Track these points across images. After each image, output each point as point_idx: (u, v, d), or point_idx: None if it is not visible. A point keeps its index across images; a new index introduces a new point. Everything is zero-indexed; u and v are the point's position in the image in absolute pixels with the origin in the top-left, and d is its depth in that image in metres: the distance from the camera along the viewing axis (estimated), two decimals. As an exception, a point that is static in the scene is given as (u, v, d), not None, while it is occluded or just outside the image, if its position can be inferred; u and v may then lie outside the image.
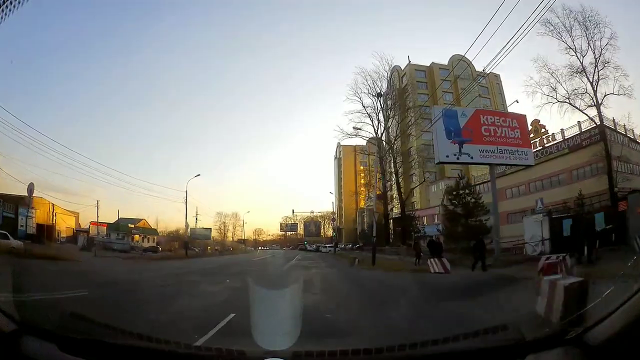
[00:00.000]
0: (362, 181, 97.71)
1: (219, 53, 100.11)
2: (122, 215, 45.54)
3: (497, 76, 49.48)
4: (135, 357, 2.21)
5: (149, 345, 2.55)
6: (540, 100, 28.44)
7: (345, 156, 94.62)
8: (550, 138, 30.23)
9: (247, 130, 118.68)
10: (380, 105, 39.39)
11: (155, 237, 53.31)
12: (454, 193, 25.95)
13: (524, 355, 1.91)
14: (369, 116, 40.22)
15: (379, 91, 39.16)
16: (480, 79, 35.10)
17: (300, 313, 4.00)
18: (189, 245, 54.94)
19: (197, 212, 49.92)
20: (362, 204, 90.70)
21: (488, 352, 2.18)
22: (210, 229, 59.91)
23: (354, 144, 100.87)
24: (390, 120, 39.56)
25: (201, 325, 5.36)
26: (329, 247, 58.86)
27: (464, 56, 31.17)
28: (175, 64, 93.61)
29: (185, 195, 37.59)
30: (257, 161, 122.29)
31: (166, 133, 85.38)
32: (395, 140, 40.82)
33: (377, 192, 33.48)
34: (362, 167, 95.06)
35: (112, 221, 42.20)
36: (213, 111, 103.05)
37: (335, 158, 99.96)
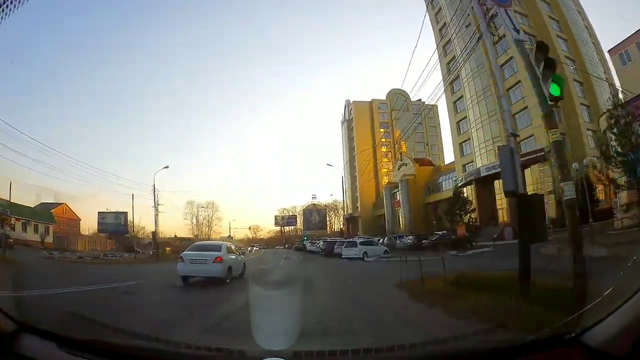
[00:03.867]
0: (384, 149, 72.17)
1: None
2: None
3: None
4: (134, 357, 2.15)
5: (148, 344, 2.56)
6: None
7: (357, 116, 68.41)
8: None
9: (233, 102, 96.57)
10: None
11: (51, 225, 39.57)
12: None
13: (524, 355, 1.89)
14: None
15: None
16: None
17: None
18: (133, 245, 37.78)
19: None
20: (384, 180, 65.01)
21: (488, 352, 2.08)
22: (125, 213, 34.51)
23: (370, 98, 75.23)
24: None
25: None
26: (361, 245, 23.55)
27: None
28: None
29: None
30: (247, 142, 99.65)
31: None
32: None
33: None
34: (382, 130, 69.33)
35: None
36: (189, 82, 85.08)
37: (342, 122, 73.88)
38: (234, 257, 11.25)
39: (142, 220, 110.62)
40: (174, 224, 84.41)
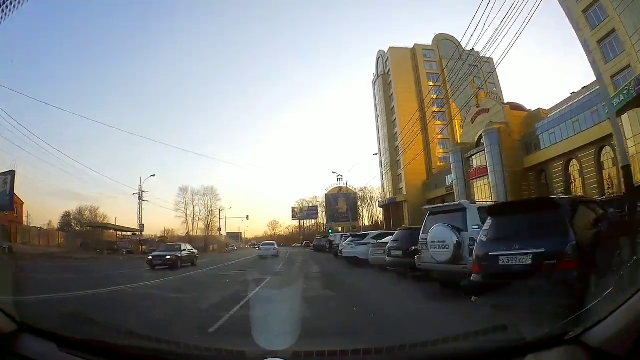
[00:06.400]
0: (436, 109, 54.53)
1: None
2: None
3: None
4: (134, 357, 2.13)
5: (148, 345, 2.53)
6: None
7: (396, 66, 51.30)
8: None
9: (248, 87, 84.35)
10: None
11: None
12: None
13: (524, 355, 1.84)
14: None
15: None
16: None
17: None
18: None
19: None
20: (437, 152, 47.77)
21: (488, 353, 2.05)
22: (12, 172, 19.91)
23: (412, 44, 57.06)
24: None
25: None
26: None
27: None
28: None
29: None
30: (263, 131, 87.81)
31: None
32: None
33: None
34: (430, 83, 51.99)
35: None
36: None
37: (374, 80, 56.90)
38: (277, 247, 29.08)
39: (122, 212, 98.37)
40: (164, 217, 70.63)
